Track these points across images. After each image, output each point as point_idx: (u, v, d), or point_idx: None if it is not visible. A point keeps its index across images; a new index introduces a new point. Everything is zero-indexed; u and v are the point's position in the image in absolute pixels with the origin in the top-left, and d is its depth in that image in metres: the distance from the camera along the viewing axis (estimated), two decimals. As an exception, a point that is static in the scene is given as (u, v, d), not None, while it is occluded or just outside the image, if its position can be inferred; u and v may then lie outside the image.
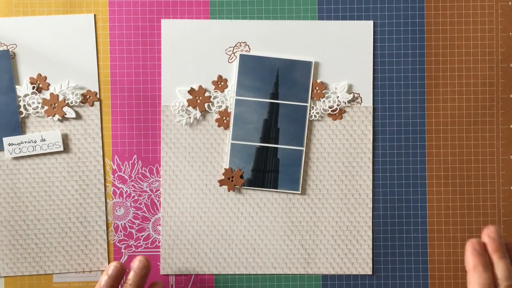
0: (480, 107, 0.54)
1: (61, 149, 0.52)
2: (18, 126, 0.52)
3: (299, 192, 0.52)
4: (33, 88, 0.52)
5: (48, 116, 0.52)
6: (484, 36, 0.54)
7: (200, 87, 0.52)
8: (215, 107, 0.52)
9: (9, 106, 0.52)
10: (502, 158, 0.54)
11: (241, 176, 0.52)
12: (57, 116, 0.52)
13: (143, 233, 0.54)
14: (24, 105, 0.52)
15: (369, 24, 0.52)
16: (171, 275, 0.53)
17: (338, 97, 0.52)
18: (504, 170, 0.54)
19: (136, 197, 0.53)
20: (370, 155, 0.52)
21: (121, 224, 0.54)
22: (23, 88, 0.52)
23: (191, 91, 0.51)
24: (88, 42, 0.53)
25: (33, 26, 0.53)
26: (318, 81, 0.52)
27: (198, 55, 0.52)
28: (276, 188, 0.52)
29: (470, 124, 0.54)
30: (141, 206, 0.53)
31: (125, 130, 0.53)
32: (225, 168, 0.52)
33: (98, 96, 0.53)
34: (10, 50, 0.52)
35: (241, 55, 0.52)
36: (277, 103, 0.52)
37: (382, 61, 0.53)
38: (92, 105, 0.53)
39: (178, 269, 0.53)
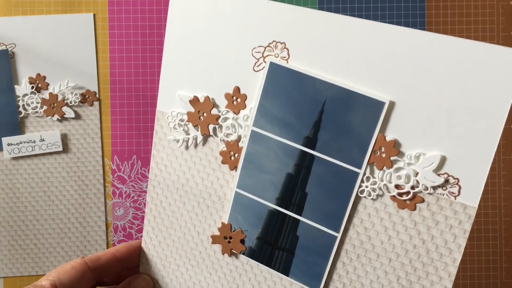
0: (481, 107, 0.53)
1: (60, 149, 0.52)
2: (17, 126, 0.52)
3: None
4: (32, 87, 0.52)
5: (47, 116, 0.52)
6: (485, 35, 0.54)
7: (207, 98, 0.35)
8: (223, 134, 0.36)
9: (8, 106, 0.52)
10: (503, 158, 0.54)
11: (242, 241, 0.36)
12: (56, 116, 0.52)
13: (142, 234, 0.53)
14: (23, 105, 0.52)
15: (510, 52, 0.28)
16: None
17: (416, 174, 0.31)
18: (505, 170, 0.54)
19: (135, 197, 0.53)
20: (450, 284, 0.32)
21: (121, 224, 0.53)
22: (22, 88, 0.52)
23: (194, 101, 0.36)
24: (88, 41, 0.53)
25: (32, 25, 0.52)
26: (389, 137, 0.31)
27: (212, 50, 0.35)
28: (287, 275, 0.36)
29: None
30: (141, 206, 0.53)
31: (124, 130, 0.53)
32: (222, 222, 0.37)
33: (97, 96, 0.53)
34: (9, 49, 0.52)
35: (272, 64, 0.33)
36: (312, 155, 0.33)
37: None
38: (92, 105, 0.53)
39: None
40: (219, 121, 0.35)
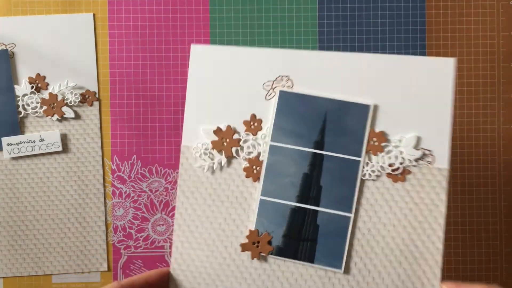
0: (481, 107, 0.54)
1: (60, 149, 0.52)
2: (17, 126, 0.52)
3: (342, 271, 0.41)
4: (32, 87, 0.52)
5: (47, 116, 0.52)
6: (485, 35, 0.53)
7: (229, 127, 0.42)
8: (245, 153, 0.42)
9: (7, 106, 0.52)
10: (503, 158, 0.54)
11: (269, 242, 0.42)
12: (56, 116, 0.52)
13: (142, 234, 0.53)
14: (23, 105, 0.52)
15: (450, 61, 0.41)
16: None
17: (402, 152, 0.41)
18: (505, 170, 0.54)
19: (135, 198, 0.53)
20: (441, 233, 0.40)
21: (121, 224, 0.53)
22: (22, 88, 0.52)
23: (218, 131, 0.42)
24: (87, 41, 0.53)
25: (32, 25, 0.52)
26: (377, 130, 0.41)
27: (229, 88, 0.43)
28: (312, 262, 0.41)
29: (471, 124, 0.54)
30: (141, 206, 0.53)
31: (124, 130, 0.53)
32: (250, 230, 0.42)
33: (97, 96, 0.53)
34: (9, 49, 0.52)
35: (281, 92, 0.42)
36: (322, 155, 0.41)
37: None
38: (91, 105, 0.53)
39: None
40: (241, 143, 0.42)
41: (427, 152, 0.41)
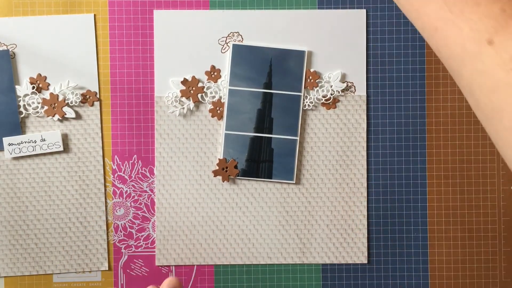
0: (480, 107, 0.54)
1: (61, 149, 0.52)
2: (18, 126, 0.52)
3: (294, 182, 0.52)
4: (33, 88, 0.52)
5: (48, 116, 0.52)
6: (484, 36, 0.54)
7: (193, 77, 0.52)
8: (209, 98, 0.52)
9: (9, 106, 0.52)
10: (502, 158, 0.54)
11: (236, 167, 0.52)
12: (57, 116, 0.52)
13: (143, 233, 0.54)
14: (24, 105, 0.52)
15: (362, 12, 0.52)
16: (170, 266, 0.53)
17: (331, 86, 0.52)
18: (504, 170, 0.54)
19: (136, 197, 0.53)
20: (364, 144, 0.52)
21: (121, 224, 0.54)
22: (23, 88, 0.52)
23: (184, 81, 0.52)
24: (88, 42, 0.53)
25: (33, 26, 0.53)
26: (312, 70, 0.52)
27: (191, 45, 0.52)
28: (271, 178, 0.52)
29: (470, 124, 0.54)
30: (141, 206, 0.53)
31: (125, 130, 0.53)
32: (219, 159, 0.52)
33: (98, 96, 0.53)
34: (10, 50, 0.52)
35: (233, 45, 0.52)
36: (271, 93, 0.52)
37: (382, 59, 0.53)
38: (92, 105, 0.53)
39: (173, 260, 0.52)
40: (204, 90, 0.52)
41: (349, 84, 0.52)
